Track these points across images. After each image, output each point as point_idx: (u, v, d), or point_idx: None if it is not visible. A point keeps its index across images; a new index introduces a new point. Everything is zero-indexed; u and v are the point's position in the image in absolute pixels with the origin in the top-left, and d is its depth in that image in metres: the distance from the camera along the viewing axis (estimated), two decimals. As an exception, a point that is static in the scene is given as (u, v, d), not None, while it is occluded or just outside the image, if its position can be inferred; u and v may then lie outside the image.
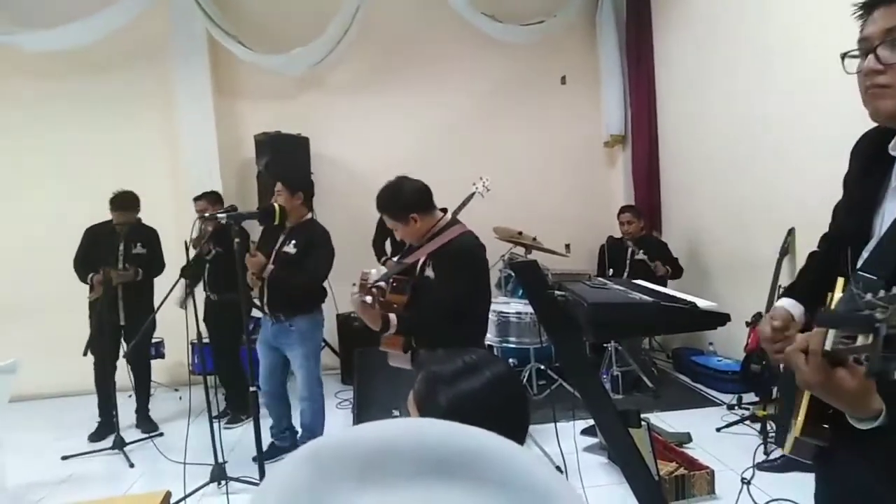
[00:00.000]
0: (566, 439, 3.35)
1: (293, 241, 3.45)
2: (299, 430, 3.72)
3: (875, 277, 1.04)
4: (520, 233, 4.83)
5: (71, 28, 4.90)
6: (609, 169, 6.29)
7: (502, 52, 5.78)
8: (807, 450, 1.16)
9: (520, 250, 4.82)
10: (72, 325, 4.26)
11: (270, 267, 3.41)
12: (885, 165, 1.17)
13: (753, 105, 4.35)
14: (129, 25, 5.02)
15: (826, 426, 1.10)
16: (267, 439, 3.67)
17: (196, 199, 4.46)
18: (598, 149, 6.19)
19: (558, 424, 3.40)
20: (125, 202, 4.18)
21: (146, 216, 4.36)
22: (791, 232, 4.00)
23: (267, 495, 0.36)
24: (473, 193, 4.78)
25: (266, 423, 3.77)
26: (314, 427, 3.60)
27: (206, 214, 3.60)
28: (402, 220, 2.45)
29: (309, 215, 3.60)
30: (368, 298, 2.30)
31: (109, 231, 4.19)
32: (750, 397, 4.00)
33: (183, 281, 3.49)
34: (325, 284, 3.61)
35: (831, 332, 0.91)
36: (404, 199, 2.45)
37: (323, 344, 5.47)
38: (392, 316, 2.36)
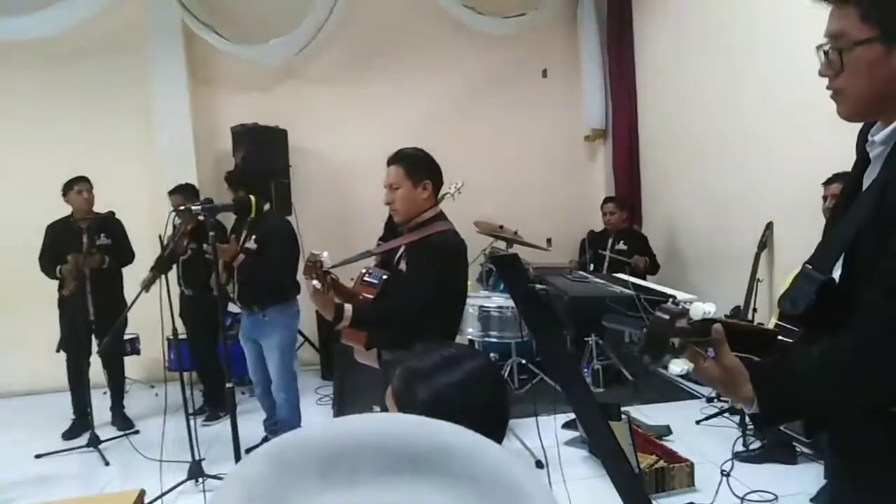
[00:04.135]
0: (547, 433, 3.35)
1: (253, 237, 3.43)
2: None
3: (817, 273, 1.12)
4: (501, 227, 4.82)
5: (43, 16, 4.76)
6: (590, 163, 6.31)
7: (483, 44, 5.75)
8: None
9: (501, 244, 4.81)
10: (43, 322, 4.17)
11: (241, 256, 3.38)
12: (864, 164, 1.18)
13: (733, 100, 4.38)
14: (103, 14, 4.91)
15: None
16: (260, 432, 3.65)
17: (171, 192, 4.37)
18: (579, 143, 6.20)
19: (539, 418, 3.41)
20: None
21: (120, 207, 4.27)
22: (769, 226, 4.04)
23: (227, 494, 0.35)
24: (445, 195, 4.76)
25: (259, 416, 3.74)
26: (292, 421, 3.57)
27: (181, 208, 3.53)
28: (415, 179, 2.31)
29: (266, 206, 3.53)
30: (316, 283, 2.16)
31: (71, 225, 4.09)
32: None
33: (151, 269, 3.44)
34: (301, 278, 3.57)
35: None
36: (430, 164, 2.36)
37: (302, 339, 5.47)
38: (347, 306, 2.22)
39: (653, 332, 1.04)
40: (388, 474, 0.35)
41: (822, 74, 1.11)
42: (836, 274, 1.13)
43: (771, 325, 1.23)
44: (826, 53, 1.09)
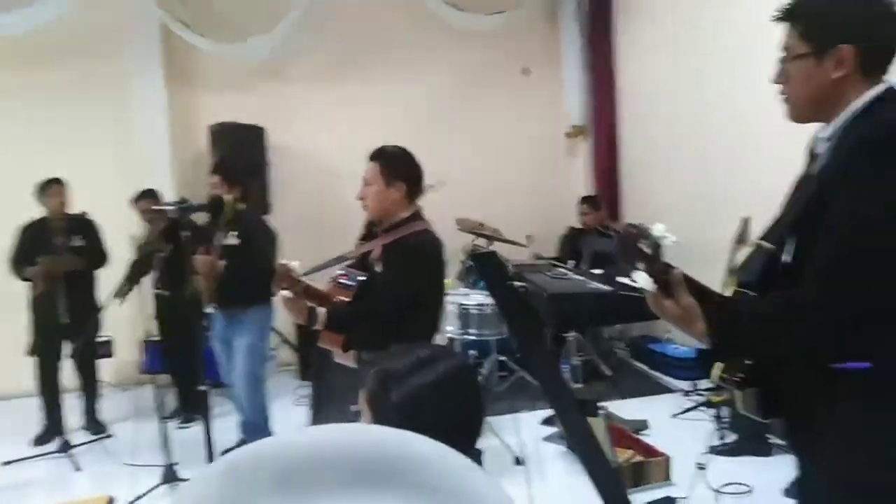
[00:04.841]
0: (526, 429, 3.37)
1: (234, 233, 3.36)
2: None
3: (767, 245, 1.33)
4: (481, 224, 4.82)
5: (16, 14, 4.63)
6: (571, 160, 6.33)
7: (464, 41, 5.74)
8: (751, 404, 1.36)
9: (481, 241, 4.81)
10: (10, 325, 4.06)
11: (221, 263, 3.31)
12: (811, 163, 1.37)
13: (714, 97, 4.43)
14: (79, 12, 4.77)
15: (740, 376, 1.34)
16: (231, 437, 3.57)
17: (136, 199, 4.31)
18: (560, 140, 6.22)
19: (519, 415, 3.43)
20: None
21: (94, 207, 4.18)
22: (746, 221, 4.09)
23: None
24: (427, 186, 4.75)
25: (234, 419, 3.68)
26: (258, 423, 3.51)
27: (155, 207, 3.46)
28: (388, 179, 2.27)
29: (242, 206, 3.49)
30: (286, 293, 2.16)
31: (45, 226, 3.99)
32: (705, 383, 4.09)
33: (124, 276, 3.37)
34: None
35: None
36: (408, 166, 2.31)
37: (280, 339, 5.42)
38: (321, 310, 2.20)
39: (623, 239, 1.27)
40: (347, 488, 0.34)
41: (774, 82, 1.34)
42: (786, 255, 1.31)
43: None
44: (781, 64, 1.31)
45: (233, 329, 3.46)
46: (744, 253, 1.41)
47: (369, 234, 4.75)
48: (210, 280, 3.31)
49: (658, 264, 1.22)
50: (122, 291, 3.30)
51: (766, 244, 1.33)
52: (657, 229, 1.23)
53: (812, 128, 1.38)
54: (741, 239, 4.20)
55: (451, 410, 1.04)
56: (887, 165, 1.16)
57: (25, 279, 3.95)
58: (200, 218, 3.55)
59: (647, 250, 1.21)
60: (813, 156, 1.34)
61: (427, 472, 0.35)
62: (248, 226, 3.41)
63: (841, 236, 1.17)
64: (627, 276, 1.25)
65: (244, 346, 3.43)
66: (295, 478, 0.35)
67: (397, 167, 2.31)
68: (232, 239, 3.36)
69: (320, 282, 2.49)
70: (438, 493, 0.34)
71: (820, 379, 1.24)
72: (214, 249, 3.35)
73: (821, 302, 1.18)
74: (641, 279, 1.22)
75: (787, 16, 1.29)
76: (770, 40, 1.45)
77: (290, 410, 4.43)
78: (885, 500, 1.21)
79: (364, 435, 0.37)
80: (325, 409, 4.18)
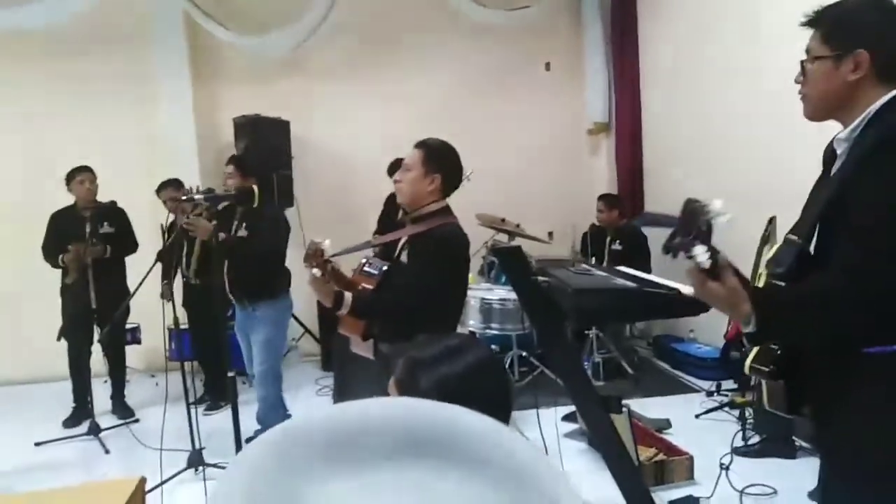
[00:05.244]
0: (547, 425, 3.35)
1: (244, 224, 3.37)
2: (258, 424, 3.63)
3: (797, 239, 1.39)
4: (503, 219, 4.81)
5: (43, 6, 4.72)
6: (592, 157, 6.28)
7: (486, 37, 5.72)
8: (778, 398, 1.41)
9: (503, 237, 4.80)
10: (44, 311, 4.16)
11: (222, 235, 3.26)
12: (832, 162, 1.43)
13: (738, 94, 4.36)
14: (105, 5, 4.87)
15: (771, 367, 1.40)
16: (255, 424, 3.62)
17: (160, 189, 4.39)
18: (582, 136, 6.18)
19: (540, 410, 3.41)
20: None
21: (122, 198, 4.26)
22: (772, 220, 4.02)
23: (232, 480, 0.35)
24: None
25: (253, 408, 3.73)
26: (269, 421, 3.50)
27: (185, 197, 3.50)
28: (428, 169, 2.28)
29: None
30: (317, 271, 2.16)
31: (75, 214, 4.08)
32: (729, 384, 4.04)
33: (161, 271, 3.42)
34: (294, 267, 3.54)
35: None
36: (451, 159, 2.33)
37: (303, 330, 5.47)
38: (347, 295, 2.21)
39: (687, 210, 1.27)
40: (396, 457, 0.35)
41: (796, 81, 1.43)
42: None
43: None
44: (802, 65, 1.41)
45: (250, 323, 3.48)
46: (773, 249, 1.47)
47: (383, 227, 4.76)
48: (222, 262, 3.32)
49: (709, 243, 1.26)
50: (167, 292, 3.38)
51: (794, 238, 1.39)
52: (716, 206, 1.25)
53: (833, 129, 1.44)
54: (767, 238, 4.15)
55: (479, 399, 1.05)
56: None
57: (57, 266, 4.04)
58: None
59: (703, 227, 1.24)
60: (833, 155, 1.43)
61: (478, 445, 0.35)
62: (254, 219, 3.39)
63: (867, 228, 1.26)
64: (688, 251, 1.23)
65: (259, 342, 3.44)
66: (343, 449, 0.35)
67: (438, 160, 2.32)
68: (242, 231, 3.38)
69: (345, 270, 2.51)
70: (486, 466, 0.34)
71: (849, 363, 1.30)
72: (230, 238, 3.36)
73: (851, 287, 1.25)
74: (700, 253, 1.22)
75: (812, 21, 1.40)
76: (794, 37, 1.49)
77: (312, 401, 4.47)
78: None
79: (414, 408, 0.37)
80: (347, 399, 4.21)
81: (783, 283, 1.38)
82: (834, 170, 1.42)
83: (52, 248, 4.05)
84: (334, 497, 0.33)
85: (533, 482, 0.34)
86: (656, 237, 5.16)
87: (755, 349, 1.45)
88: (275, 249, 3.37)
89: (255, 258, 3.31)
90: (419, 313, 2.14)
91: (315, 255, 2.18)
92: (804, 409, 1.44)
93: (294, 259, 4.34)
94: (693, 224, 1.24)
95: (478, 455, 0.34)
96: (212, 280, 3.31)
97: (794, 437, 3.21)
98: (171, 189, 4.29)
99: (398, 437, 0.35)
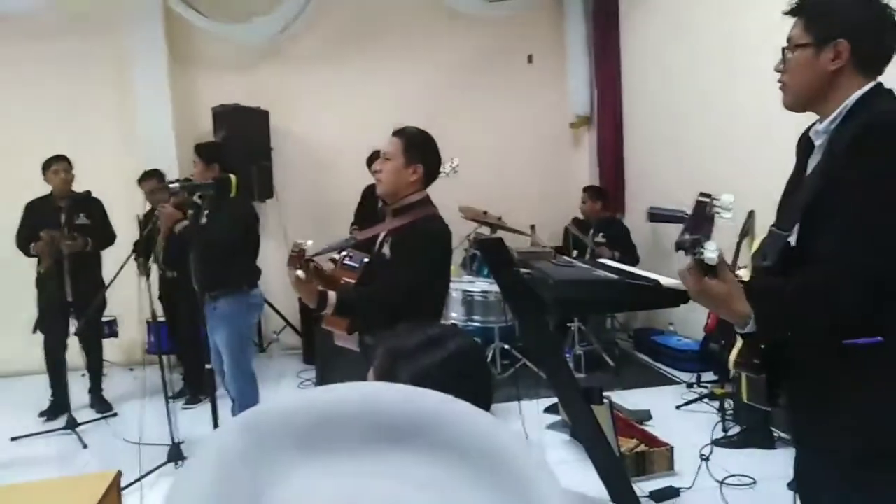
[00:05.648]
0: (530, 417, 3.37)
1: (205, 213, 3.23)
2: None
3: (781, 231, 1.38)
4: (485, 212, 4.81)
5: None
6: (574, 150, 6.30)
7: (468, 28, 5.69)
8: (758, 391, 1.42)
9: (485, 230, 4.80)
10: (18, 302, 4.08)
11: (185, 222, 3.15)
12: (808, 153, 1.43)
13: (719, 87, 4.39)
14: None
15: (756, 361, 1.40)
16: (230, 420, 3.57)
17: (142, 179, 4.31)
18: (564, 129, 6.19)
19: (522, 402, 3.43)
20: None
21: (97, 188, 4.18)
22: (751, 214, 4.07)
23: (200, 466, 0.34)
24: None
25: (227, 403, 3.68)
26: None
27: (170, 185, 3.38)
28: (408, 158, 2.25)
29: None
30: (300, 273, 2.11)
31: (50, 204, 3.99)
32: (708, 376, 4.09)
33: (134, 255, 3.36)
34: (268, 262, 3.44)
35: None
36: (429, 150, 2.30)
37: (284, 323, 5.43)
38: (331, 294, 2.17)
39: (698, 209, 1.26)
40: (371, 444, 0.34)
41: (776, 69, 1.43)
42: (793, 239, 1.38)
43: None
44: (783, 52, 1.40)
45: (213, 320, 3.26)
46: (756, 243, 1.48)
47: (360, 220, 4.69)
48: (167, 234, 3.23)
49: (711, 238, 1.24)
50: (144, 269, 3.29)
51: (780, 231, 1.38)
52: (726, 200, 1.24)
53: (809, 120, 1.44)
54: (746, 231, 4.18)
55: (459, 390, 1.04)
56: (891, 148, 1.25)
57: (31, 255, 3.96)
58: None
59: (710, 222, 1.24)
60: (809, 146, 1.43)
61: (456, 430, 0.34)
62: (215, 209, 3.21)
63: (854, 215, 1.25)
64: (697, 247, 1.21)
65: (221, 341, 3.25)
66: (318, 434, 0.34)
67: (419, 149, 2.28)
68: (203, 219, 3.22)
69: (324, 264, 2.48)
70: (465, 452, 0.33)
71: (830, 354, 1.30)
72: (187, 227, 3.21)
73: (853, 279, 1.24)
74: (712, 249, 1.19)
75: (795, 10, 1.40)
76: (773, 31, 1.51)
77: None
78: (891, 470, 1.26)
79: (387, 393, 0.36)
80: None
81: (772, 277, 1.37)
82: (812, 162, 1.41)
83: (26, 237, 3.96)
84: (307, 485, 0.32)
85: (512, 466, 0.33)
86: (668, 233, 5.19)
87: (739, 343, 1.47)
88: (230, 241, 3.17)
89: (211, 249, 3.11)
90: (403, 305, 2.12)
91: (298, 257, 2.15)
92: (781, 400, 1.44)
93: (271, 254, 4.31)
94: (704, 219, 1.23)
95: (456, 440, 0.34)
96: (184, 272, 3.23)
97: (772, 428, 3.25)
98: (155, 180, 4.22)
99: (374, 423, 0.34)
